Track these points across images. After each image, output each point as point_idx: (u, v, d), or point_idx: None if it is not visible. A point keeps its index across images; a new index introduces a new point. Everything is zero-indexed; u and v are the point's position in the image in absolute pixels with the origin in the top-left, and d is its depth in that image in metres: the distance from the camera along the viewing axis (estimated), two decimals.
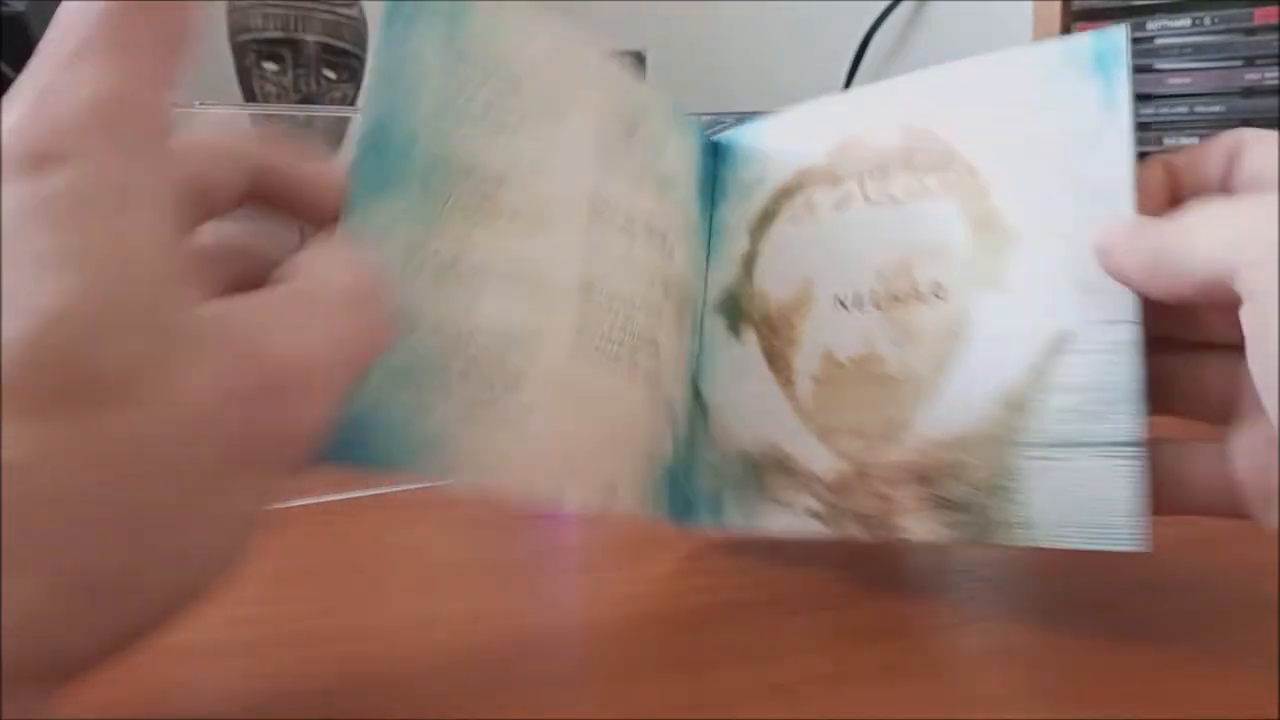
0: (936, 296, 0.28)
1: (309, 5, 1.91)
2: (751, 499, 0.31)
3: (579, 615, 0.28)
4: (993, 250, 0.27)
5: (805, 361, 0.31)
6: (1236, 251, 0.21)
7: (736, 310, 0.33)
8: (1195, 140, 1.26)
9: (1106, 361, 0.25)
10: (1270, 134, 0.25)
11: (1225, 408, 0.25)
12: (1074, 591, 0.29)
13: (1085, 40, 0.27)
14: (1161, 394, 0.26)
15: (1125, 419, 0.25)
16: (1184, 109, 1.30)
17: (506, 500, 0.27)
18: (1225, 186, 0.25)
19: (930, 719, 0.22)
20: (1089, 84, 0.27)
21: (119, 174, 0.17)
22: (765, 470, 0.31)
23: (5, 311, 0.16)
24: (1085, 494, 0.25)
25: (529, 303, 0.26)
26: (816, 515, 0.30)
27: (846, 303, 0.30)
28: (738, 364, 0.32)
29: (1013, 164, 0.28)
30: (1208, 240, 0.22)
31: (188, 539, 0.17)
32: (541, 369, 0.26)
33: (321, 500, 0.38)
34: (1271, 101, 1.20)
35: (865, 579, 0.31)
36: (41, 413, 0.15)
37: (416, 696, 0.23)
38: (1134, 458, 0.24)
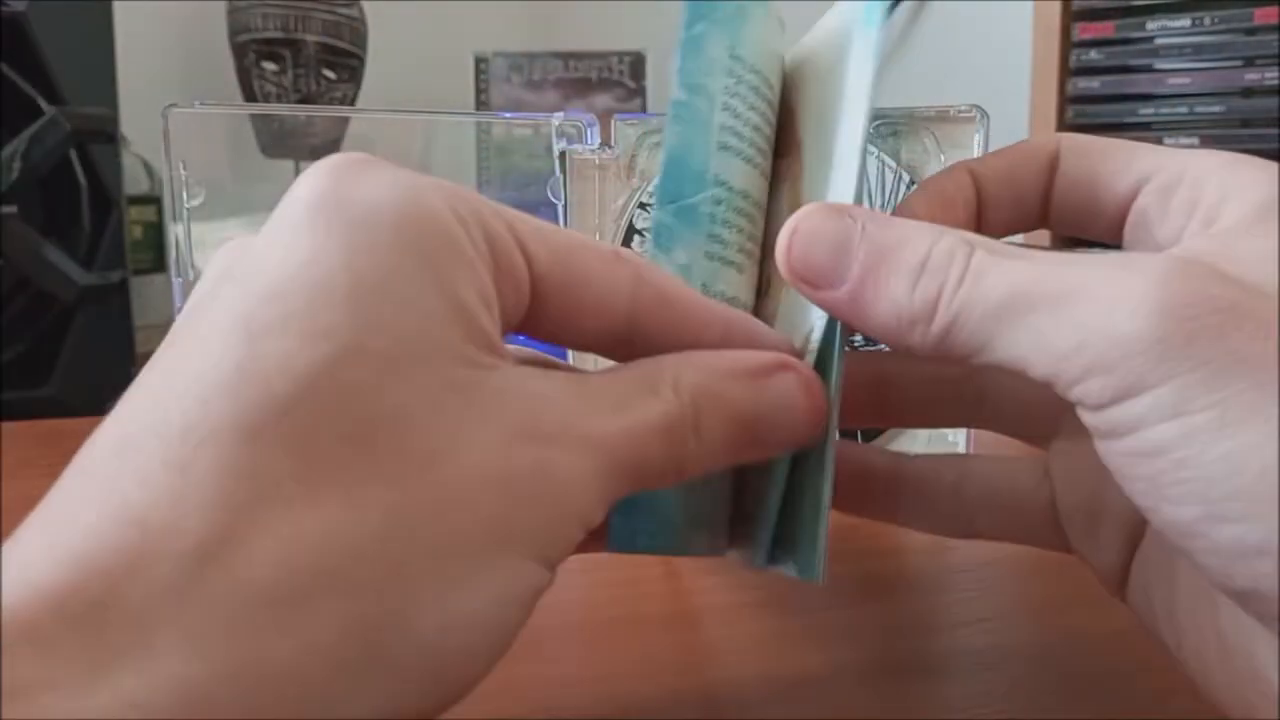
0: (768, 296, 0.24)
1: (309, 5, 1.91)
2: None
3: (579, 615, 0.28)
4: None
5: None
6: (1091, 356, 0.16)
7: None
8: (1195, 141, 1.26)
9: (818, 357, 0.21)
10: (1099, 143, 0.21)
11: (1046, 424, 0.23)
12: (1074, 591, 0.29)
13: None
14: (974, 406, 0.24)
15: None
16: (1184, 109, 1.31)
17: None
18: (1047, 203, 0.22)
19: (930, 719, 0.22)
20: (860, 45, 0.22)
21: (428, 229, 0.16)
22: None
23: (298, 339, 0.14)
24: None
25: None
26: None
27: None
28: None
29: (815, 140, 0.24)
30: (1038, 333, 0.17)
31: (451, 610, 0.15)
32: None
33: None
34: (1271, 101, 1.20)
35: (865, 579, 0.31)
36: (299, 450, 0.14)
37: None
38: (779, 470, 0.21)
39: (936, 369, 0.24)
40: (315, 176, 0.17)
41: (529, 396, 0.16)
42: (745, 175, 0.23)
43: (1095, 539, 0.22)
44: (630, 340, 0.19)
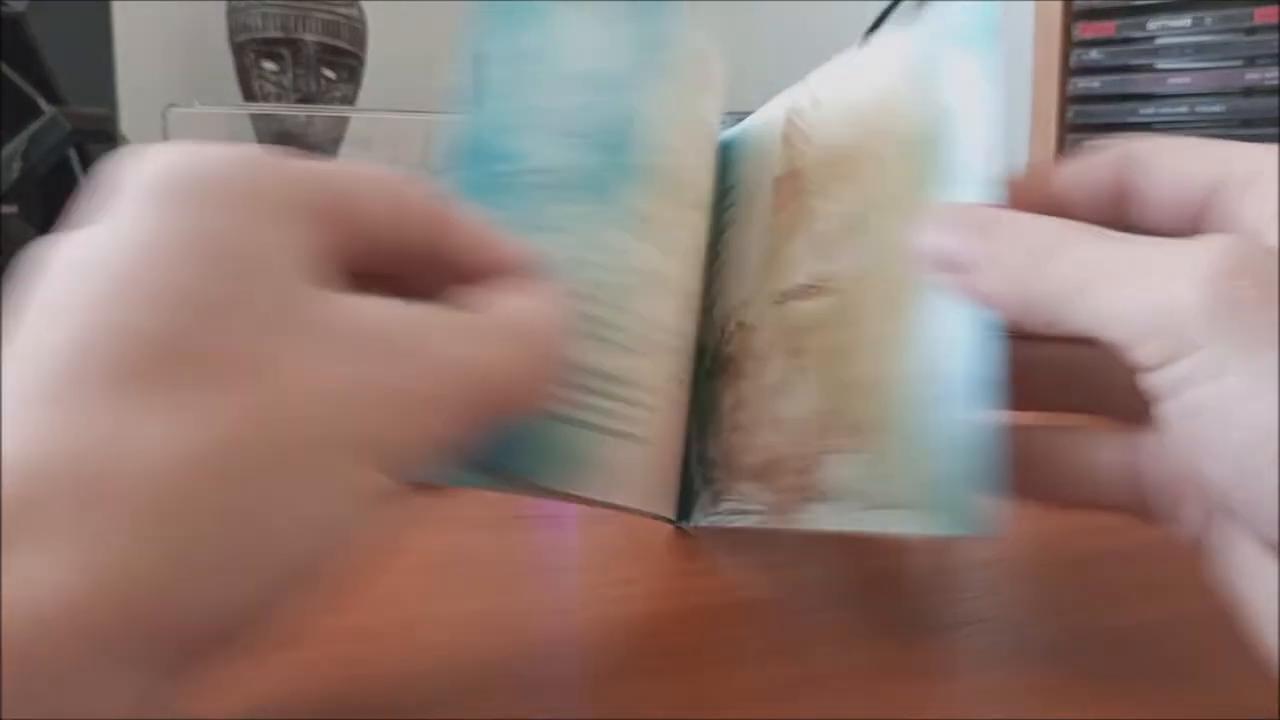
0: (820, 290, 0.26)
1: (309, 5, 1.91)
2: None
3: (579, 615, 0.28)
4: None
5: None
6: (1148, 324, 0.19)
7: None
8: None
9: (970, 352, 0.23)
10: (1171, 143, 0.23)
11: (1132, 405, 0.23)
12: (1074, 592, 0.29)
13: (955, 13, 0.24)
14: (1065, 389, 0.25)
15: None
16: (1184, 109, 1.31)
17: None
18: (1118, 206, 0.23)
19: (930, 719, 0.22)
20: (957, 61, 0.24)
21: (247, 172, 0.19)
22: None
23: (129, 298, 0.17)
24: None
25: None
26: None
27: None
28: None
29: (888, 150, 0.25)
30: (1109, 301, 0.20)
31: (297, 512, 0.17)
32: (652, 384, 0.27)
33: None
34: (1271, 101, 1.20)
35: (865, 579, 0.31)
36: (159, 389, 0.16)
37: (416, 697, 0.23)
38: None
39: (1041, 354, 0.26)
40: (143, 162, 0.19)
41: (381, 319, 0.19)
42: (552, 148, 0.26)
43: (1179, 510, 0.23)
44: (430, 258, 0.22)
